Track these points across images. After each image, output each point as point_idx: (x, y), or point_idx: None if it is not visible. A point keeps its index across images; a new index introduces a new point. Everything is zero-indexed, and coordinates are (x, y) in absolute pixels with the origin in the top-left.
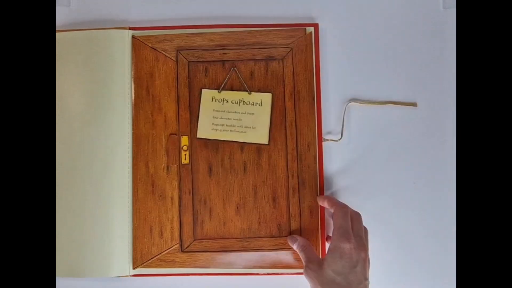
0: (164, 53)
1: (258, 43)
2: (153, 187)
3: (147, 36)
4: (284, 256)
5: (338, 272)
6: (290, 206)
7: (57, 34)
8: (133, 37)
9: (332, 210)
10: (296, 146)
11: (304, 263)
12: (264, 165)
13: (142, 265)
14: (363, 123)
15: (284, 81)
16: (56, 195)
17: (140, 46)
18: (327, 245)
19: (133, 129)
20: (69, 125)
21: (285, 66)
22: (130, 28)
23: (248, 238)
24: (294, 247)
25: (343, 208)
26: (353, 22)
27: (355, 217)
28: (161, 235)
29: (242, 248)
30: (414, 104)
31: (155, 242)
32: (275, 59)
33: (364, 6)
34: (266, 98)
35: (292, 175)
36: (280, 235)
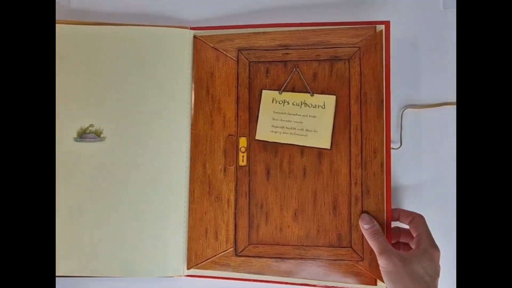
0: (225, 52)
1: (322, 42)
2: (209, 188)
3: (208, 35)
4: (344, 268)
5: (428, 273)
6: (352, 215)
7: (112, 27)
8: (194, 36)
9: (407, 221)
10: (361, 152)
11: (379, 249)
12: (325, 171)
13: (196, 266)
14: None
15: (349, 82)
16: (113, 194)
17: (202, 46)
18: None
19: (191, 129)
20: (128, 122)
21: (351, 67)
22: (191, 28)
23: (306, 246)
24: (366, 227)
25: (424, 218)
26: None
27: None
28: (216, 237)
29: (299, 256)
30: None
31: (210, 244)
32: (341, 59)
33: None
34: (329, 100)
35: (356, 183)
36: (340, 245)
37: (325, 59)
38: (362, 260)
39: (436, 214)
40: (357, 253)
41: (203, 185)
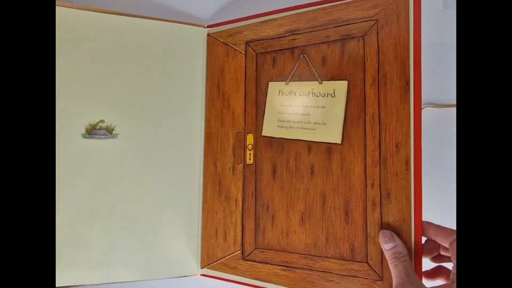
0: (234, 47)
1: (333, 20)
2: (219, 187)
3: (219, 31)
4: (358, 286)
5: None
6: (368, 223)
7: (126, 18)
8: (208, 34)
9: (446, 243)
10: (379, 146)
11: (395, 281)
12: (336, 169)
13: (208, 266)
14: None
15: (364, 64)
16: (126, 194)
17: (213, 43)
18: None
19: (205, 127)
20: (141, 119)
21: (366, 45)
22: (207, 26)
23: (313, 256)
24: (386, 248)
25: None
26: None
27: None
28: (225, 238)
29: (306, 267)
30: None
31: (220, 245)
32: (354, 37)
33: None
34: (340, 87)
35: (372, 184)
36: (353, 259)
37: (335, 40)
38: (382, 279)
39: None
40: (375, 271)
41: (214, 184)
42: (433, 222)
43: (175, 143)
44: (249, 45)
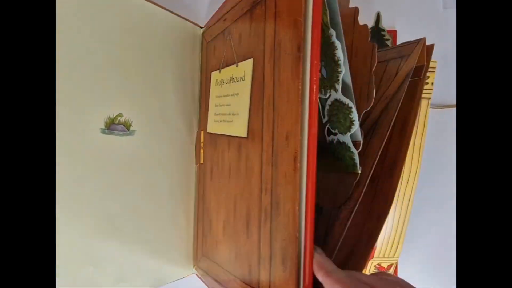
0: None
1: None
2: (199, 187)
3: (207, 29)
4: None
5: None
6: (261, 240)
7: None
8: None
9: None
10: (272, 139)
11: None
12: (242, 169)
13: (194, 267)
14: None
15: (264, 33)
16: (141, 198)
17: (204, 42)
18: None
19: (198, 127)
20: (155, 115)
21: (267, 9)
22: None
23: (228, 272)
24: None
25: None
26: None
27: None
28: (197, 240)
29: (224, 285)
30: None
31: (198, 247)
32: (258, 2)
33: None
34: (247, 67)
35: (266, 188)
36: (250, 284)
37: (247, 11)
38: None
39: None
40: None
41: (199, 184)
42: (430, 223)
43: (179, 145)
44: (203, 36)
